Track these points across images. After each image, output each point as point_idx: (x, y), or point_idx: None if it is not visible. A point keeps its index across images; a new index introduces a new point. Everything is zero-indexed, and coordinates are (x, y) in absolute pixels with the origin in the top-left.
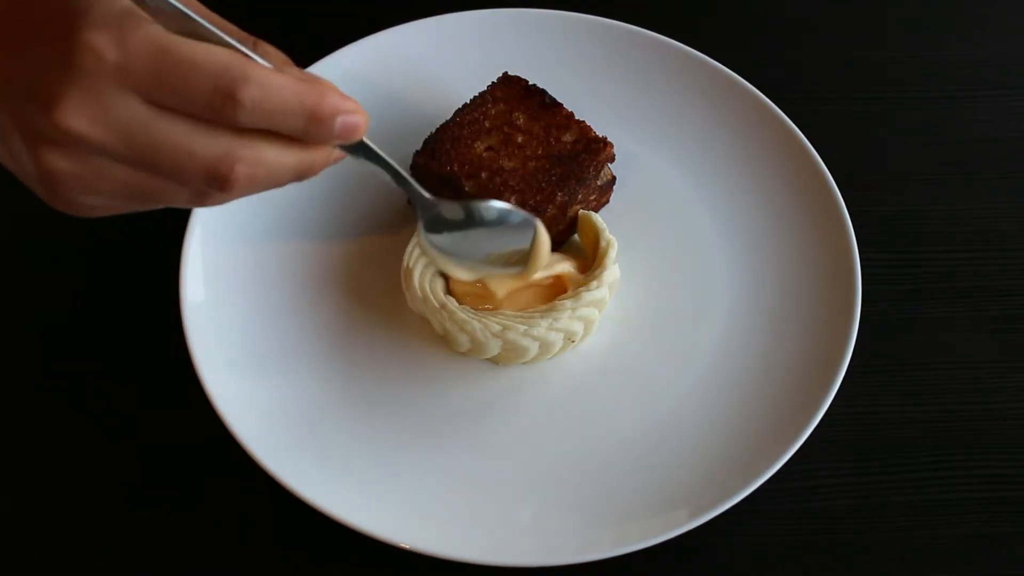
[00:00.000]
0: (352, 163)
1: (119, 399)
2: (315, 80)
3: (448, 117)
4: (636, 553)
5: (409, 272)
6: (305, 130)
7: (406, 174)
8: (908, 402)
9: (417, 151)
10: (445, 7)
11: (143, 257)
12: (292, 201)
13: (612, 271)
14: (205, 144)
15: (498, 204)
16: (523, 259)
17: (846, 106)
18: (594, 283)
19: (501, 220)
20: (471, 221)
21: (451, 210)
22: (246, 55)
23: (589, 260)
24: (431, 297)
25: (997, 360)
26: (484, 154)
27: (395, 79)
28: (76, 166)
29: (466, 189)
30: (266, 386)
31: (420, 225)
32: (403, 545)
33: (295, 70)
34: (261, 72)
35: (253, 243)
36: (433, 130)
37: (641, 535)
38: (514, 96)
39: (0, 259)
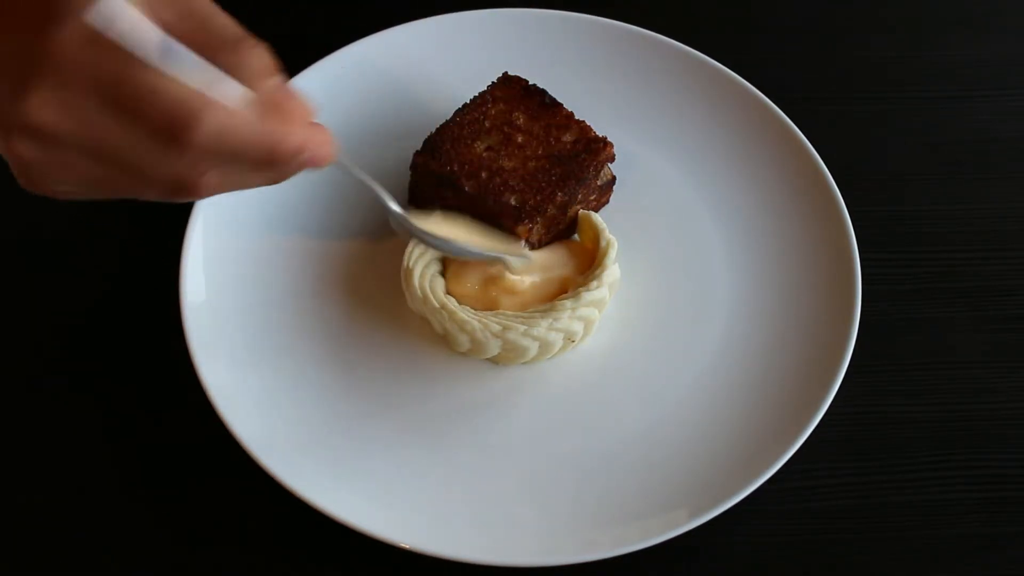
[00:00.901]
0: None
1: (119, 399)
2: (281, 115)
3: (448, 117)
4: (636, 553)
5: (409, 272)
6: (267, 166)
7: (380, 190)
8: (908, 402)
9: (417, 151)
10: (445, 7)
11: (143, 257)
12: (292, 201)
13: (612, 271)
14: (171, 158)
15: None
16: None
17: (846, 106)
18: (594, 283)
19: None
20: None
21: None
22: (220, 77)
23: (589, 260)
24: (431, 297)
25: (997, 360)
26: (484, 154)
27: (395, 79)
28: (43, 155)
29: (466, 189)
30: (266, 386)
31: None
32: (403, 545)
33: (271, 87)
34: (218, 115)
35: (253, 243)
36: (433, 130)
37: (641, 535)
38: (514, 96)
39: (0, 259)
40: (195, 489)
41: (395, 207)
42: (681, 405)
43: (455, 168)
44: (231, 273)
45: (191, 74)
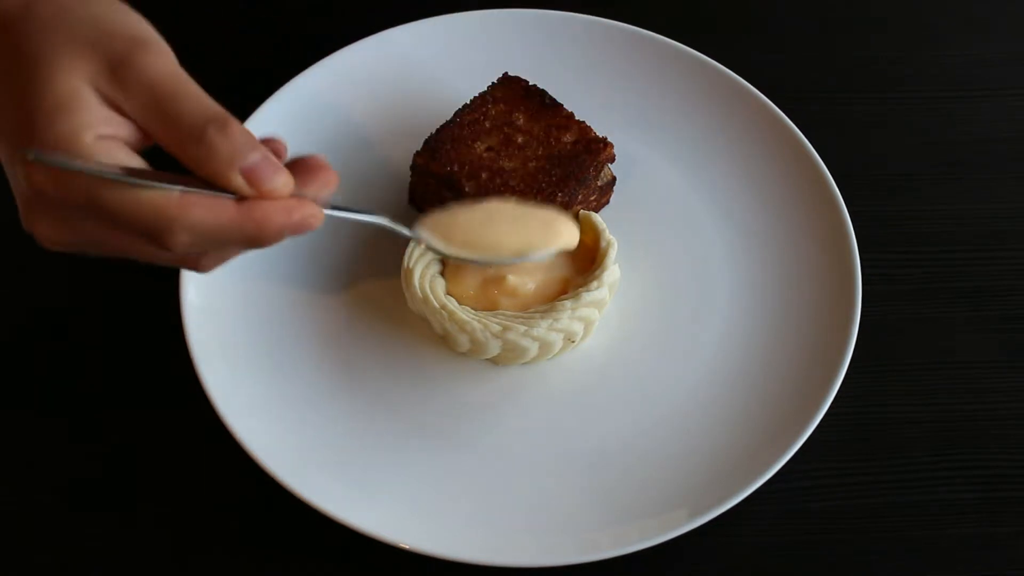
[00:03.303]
0: (352, 164)
1: (119, 399)
2: (258, 200)
3: (448, 117)
4: (636, 553)
5: (409, 273)
6: (253, 246)
7: (384, 222)
8: (908, 402)
9: (417, 151)
10: (445, 7)
11: None
12: None
13: (612, 271)
14: (163, 253)
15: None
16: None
17: (846, 106)
18: (594, 283)
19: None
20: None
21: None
22: (187, 191)
23: (589, 260)
24: (431, 298)
25: (997, 360)
26: (484, 154)
27: (395, 79)
28: (57, 247)
29: (466, 190)
30: (266, 386)
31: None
32: (403, 545)
33: (247, 169)
34: (193, 216)
35: None
36: (433, 130)
37: (641, 535)
38: (514, 96)
39: (0, 258)
40: (195, 489)
41: (408, 233)
42: (681, 405)
43: (455, 169)
44: (231, 273)
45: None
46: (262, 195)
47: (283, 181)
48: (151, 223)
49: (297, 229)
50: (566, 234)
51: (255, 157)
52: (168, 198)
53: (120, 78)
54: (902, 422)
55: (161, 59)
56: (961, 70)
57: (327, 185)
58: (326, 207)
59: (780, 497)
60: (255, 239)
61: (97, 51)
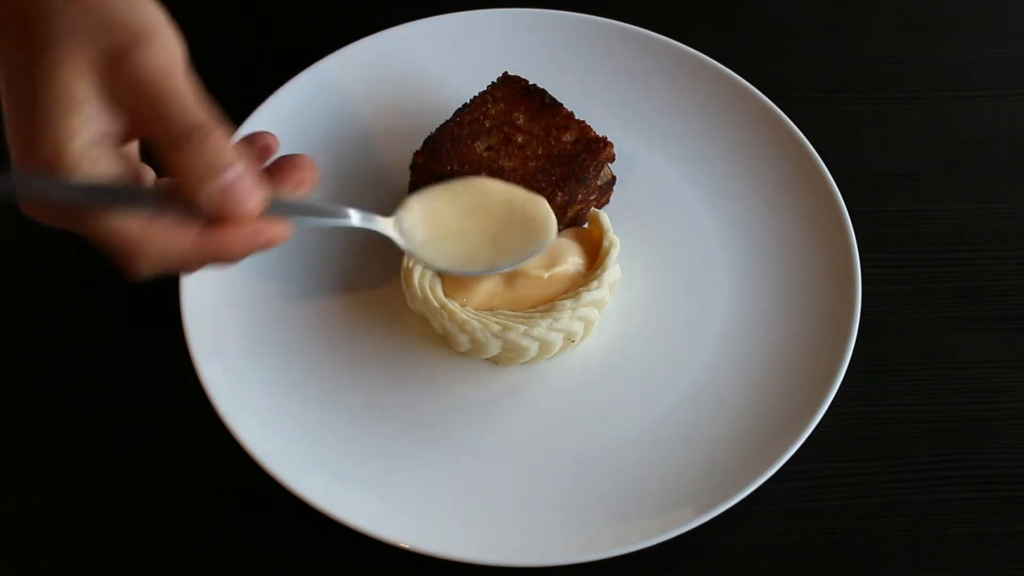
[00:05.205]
0: (352, 163)
1: (119, 399)
2: (222, 227)
3: (448, 117)
4: (636, 553)
5: (409, 272)
6: (217, 266)
7: (358, 221)
8: (908, 402)
9: (417, 151)
10: (445, 7)
11: None
12: None
13: (613, 271)
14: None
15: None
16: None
17: (846, 106)
18: (594, 283)
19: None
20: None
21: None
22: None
23: (591, 259)
24: (431, 297)
25: (997, 360)
26: (484, 154)
27: (395, 79)
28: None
29: None
30: (266, 386)
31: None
32: (403, 545)
33: (217, 190)
34: (153, 247)
35: None
36: (433, 130)
37: (641, 535)
38: (514, 96)
39: (1, 259)
40: (194, 489)
41: (399, 240)
42: (681, 405)
43: (455, 168)
44: (230, 273)
45: (128, 206)
46: (227, 219)
47: (253, 204)
48: (116, 251)
49: (261, 249)
50: (544, 225)
51: (230, 175)
52: (131, 230)
53: (116, 71)
54: (902, 422)
55: (161, 55)
56: (961, 70)
57: (301, 185)
58: (297, 214)
59: (780, 497)
60: (216, 263)
61: (99, 42)
